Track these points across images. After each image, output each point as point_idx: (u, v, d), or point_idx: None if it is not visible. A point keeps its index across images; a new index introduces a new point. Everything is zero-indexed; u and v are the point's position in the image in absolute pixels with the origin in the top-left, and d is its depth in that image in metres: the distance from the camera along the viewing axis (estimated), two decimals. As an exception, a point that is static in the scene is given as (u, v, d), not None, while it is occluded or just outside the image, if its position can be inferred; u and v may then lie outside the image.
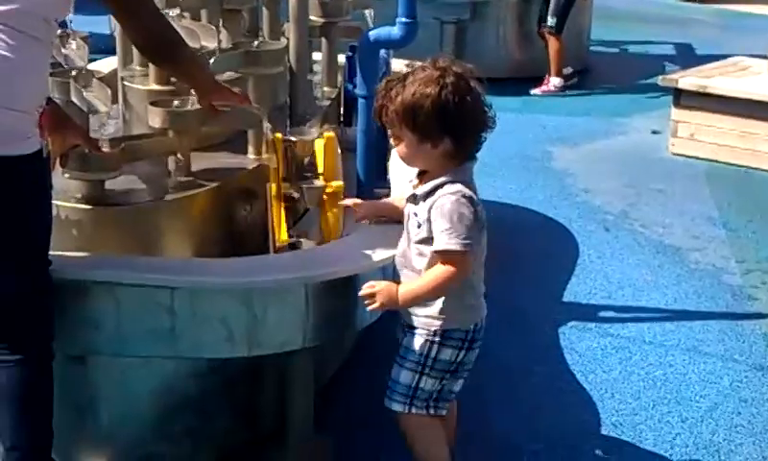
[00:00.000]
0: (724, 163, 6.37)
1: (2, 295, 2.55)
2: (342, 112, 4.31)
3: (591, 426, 3.44)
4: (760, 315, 4.32)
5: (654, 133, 7.07)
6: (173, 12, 3.43)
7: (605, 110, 7.74)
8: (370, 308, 2.71)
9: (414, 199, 2.70)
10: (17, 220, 2.50)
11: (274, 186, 3.17)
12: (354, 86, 3.69)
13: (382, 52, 3.67)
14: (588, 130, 7.23)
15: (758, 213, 5.53)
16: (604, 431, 3.41)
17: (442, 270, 2.63)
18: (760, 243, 5.12)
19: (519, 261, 4.82)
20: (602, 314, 4.34)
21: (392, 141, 2.73)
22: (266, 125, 3.22)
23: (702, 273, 4.75)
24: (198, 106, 3.13)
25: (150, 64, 3.41)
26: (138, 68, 3.62)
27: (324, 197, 3.15)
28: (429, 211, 2.63)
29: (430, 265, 2.66)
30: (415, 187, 2.71)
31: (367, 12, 4.44)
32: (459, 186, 2.62)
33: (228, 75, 3.51)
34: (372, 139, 3.50)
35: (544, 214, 5.49)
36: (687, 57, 9.34)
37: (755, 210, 5.58)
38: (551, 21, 8.12)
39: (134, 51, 3.56)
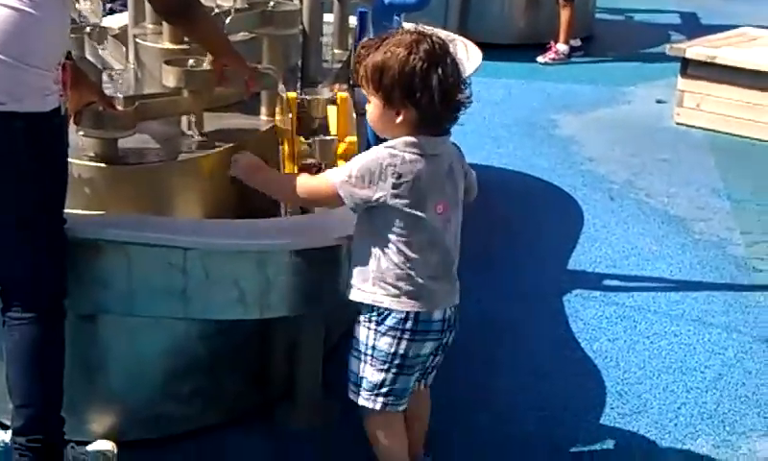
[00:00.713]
0: (729, 134, 6.37)
1: (16, 252, 2.55)
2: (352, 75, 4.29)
3: (596, 395, 3.45)
4: (765, 287, 4.33)
5: (658, 102, 7.06)
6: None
7: (610, 79, 7.72)
8: (229, 172, 2.82)
9: None
10: (34, 177, 2.49)
11: (287, 147, 3.16)
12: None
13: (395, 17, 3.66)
14: (593, 98, 7.21)
15: (763, 185, 5.54)
16: (609, 400, 3.42)
17: (305, 180, 2.63)
18: (765, 215, 5.13)
19: (524, 228, 4.83)
20: (607, 283, 4.34)
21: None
22: (280, 86, 3.21)
23: (706, 243, 4.76)
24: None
25: (164, 23, 3.38)
26: (151, 26, 3.59)
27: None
28: None
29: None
30: None
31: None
32: (399, 146, 2.48)
33: (243, 35, 3.48)
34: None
35: (549, 182, 5.49)
36: (693, 26, 9.33)
37: (760, 182, 5.59)
38: None
39: (147, 9, 3.55)
